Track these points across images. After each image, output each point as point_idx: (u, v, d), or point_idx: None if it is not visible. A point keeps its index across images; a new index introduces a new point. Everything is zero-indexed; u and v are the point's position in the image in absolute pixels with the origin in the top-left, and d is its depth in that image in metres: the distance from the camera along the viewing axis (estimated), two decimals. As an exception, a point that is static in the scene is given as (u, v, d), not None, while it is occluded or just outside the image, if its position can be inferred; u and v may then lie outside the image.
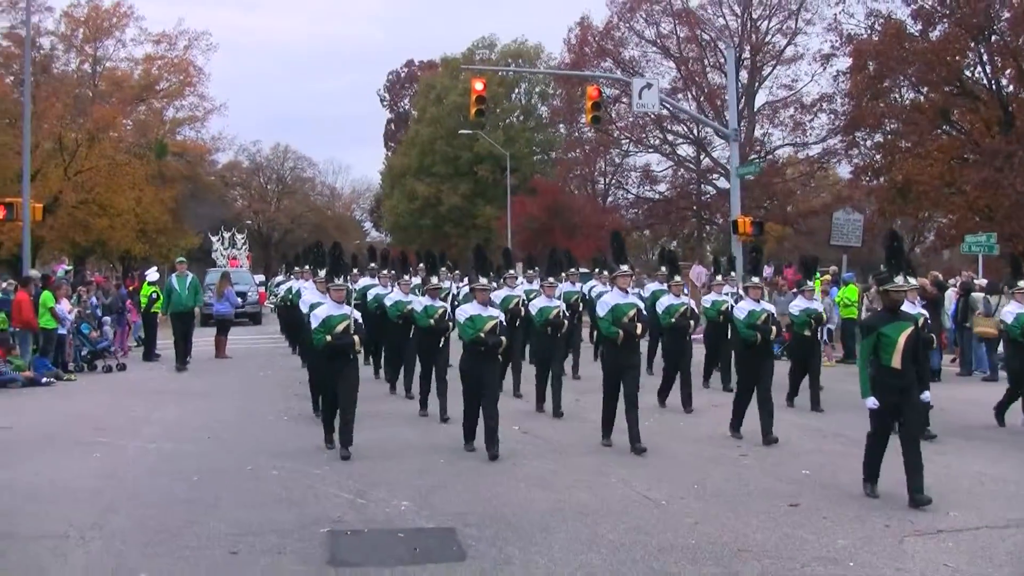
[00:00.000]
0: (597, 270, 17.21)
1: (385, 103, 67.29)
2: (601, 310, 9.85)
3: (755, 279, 11.04)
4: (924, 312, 11.24)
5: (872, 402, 7.52)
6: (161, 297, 18.65)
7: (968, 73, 27.61)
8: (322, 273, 10.98)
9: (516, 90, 52.74)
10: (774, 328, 10.44)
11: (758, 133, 37.61)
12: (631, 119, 38.49)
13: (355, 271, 16.45)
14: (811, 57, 34.71)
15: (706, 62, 37.71)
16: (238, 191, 64.79)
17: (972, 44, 26.63)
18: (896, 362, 7.45)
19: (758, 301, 10.68)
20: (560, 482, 8.26)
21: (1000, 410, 11.27)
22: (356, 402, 9.36)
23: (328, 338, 9.20)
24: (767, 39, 37.17)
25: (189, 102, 43.01)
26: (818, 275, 15.74)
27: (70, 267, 29.27)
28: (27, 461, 9.11)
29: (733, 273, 16.04)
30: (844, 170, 37.11)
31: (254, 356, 19.90)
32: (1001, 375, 14.95)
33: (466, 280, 16.66)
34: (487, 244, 26.85)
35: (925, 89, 28.36)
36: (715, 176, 39.03)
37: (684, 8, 36.11)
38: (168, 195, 38.96)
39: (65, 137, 34.67)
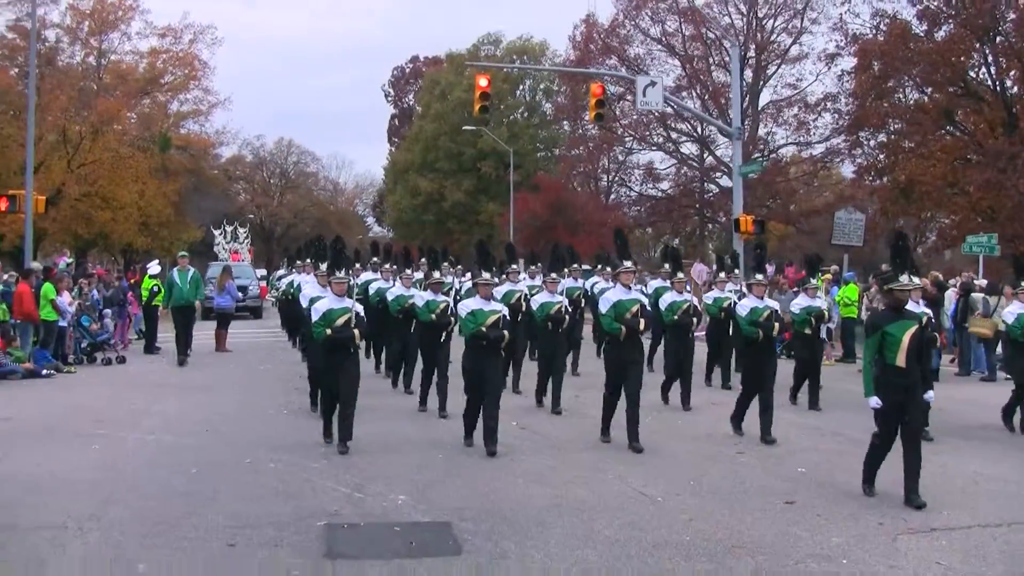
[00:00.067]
0: (600, 266, 17.25)
1: (389, 99, 67.44)
2: (603, 306, 9.84)
3: (759, 276, 11.07)
4: (928, 311, 11.22)
5: (875, 401, 7.52)
6: (162, 290, 18.70)
7: (973, 74, 27.61)
8: (323, 267, 11.01)
9: (520, 87, 52.73)
10: (776, 325, 10.44)
11: (762, 132, 37.69)
12: (635, 117, 38.55)
13: (357, 266, 16.48)
14: (816, 56, 34.84)
15: (711, 60, 37.71)
16: (241, 185, 64.82)
17: (977, 45, 26.63)
18: (901, 361, 7.46)
19: (761, 298, 10.68)
20: (557, 478, 8.28)
21: (1008, 414, 11.07)
22: (356, 396, 9.38)
23: (328, 331, 9.21)
24: (772, 38, 37.21)
25: (193, 96, 43.25)
26: (819, 274, 15.76)
27: (71, 259, 29.33)
28: (27, 453, 9.15)
29: (736, 271, 16.05)
30: (847, 169, 37.20)
31: (255, 350, 19.93)
32: (999, 375, 14.98)
33: (468, 275, 16.70)
34: (490, 240, 26.79)
35: (929, 89, 28.36)
36: (718, 174, 39.10)
37: (690, 6, 36.17)
38: (171, 188, 39.06)
39: (69, 130, 34.76)
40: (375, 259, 16.31)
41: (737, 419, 10.39)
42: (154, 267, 20.19)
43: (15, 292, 15.73)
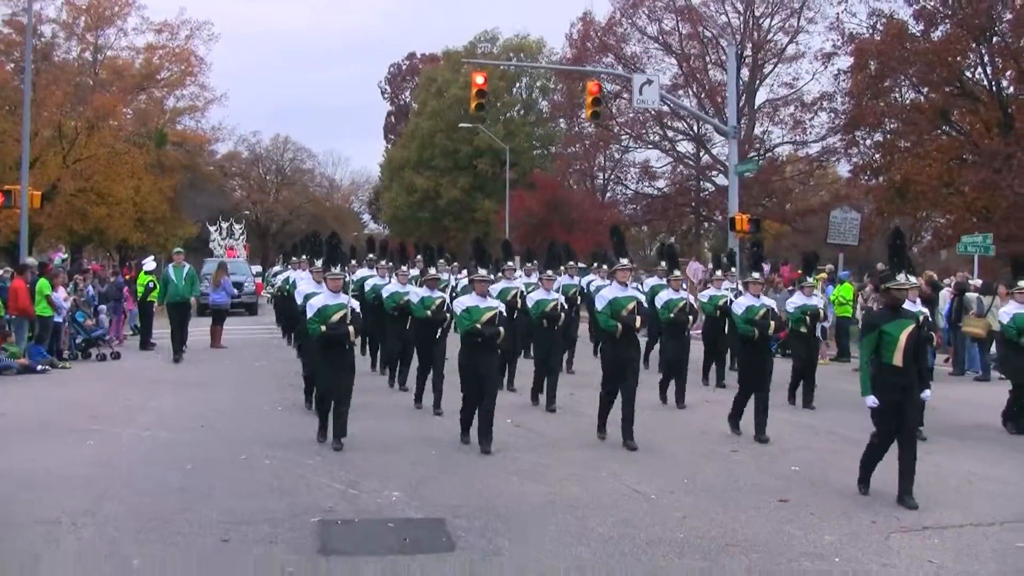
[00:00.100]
0: (596, 264, 17.25)
1: (386, 95, 67.32)
2: (599, 304, 9.85)
3: (755, 274, 11.05)
4: (925, 310, 11.23)
5: (872, 400, 7.52)
6: (158, 286, 18.68)
7: (969, 74, 27.64)
8: (319, 263, 10.96)
9: (517, 84, 52.72)
10: (773, 323, 10.45)
11: (758, 131, 37.68)
12: (631, 115, 38.55)
13: (353, 262, 16.46)
14: (812, 56, 34.80)
15: (707, 59, 37.76)
16: (237, 181, 64.74)
17: (973, 45, 26.65)
18: (898, 360, 7.46)
19: (758, 296, 10.69)
20: (552, 475, 8.29)
21: (1008, 416, 10.99)
22: (351, 393, 9.38)
23: (323, 328, 9.21)
24: (769, 37, 37.24)
25: (190, 92, 43.16)
26: (815, 273, 15.77)
27: (67, 255, 29.30)
28: (21, 448, 9.14)
29: (733, 269, 16.07)
30: (843, 169, 37.22)
31: (250, 346, 19.92)
32: (993, 375, 15.02)
33: (464, 272, 16.70)
34: (486, 238, 26.84)
35: (925, 89, 28.39)
36: (714, 173, 39.08)
37: (687, 5, 36.14)
38: (167, 184, 38.99)
39: (65, 125, 34.67)
40: (371, 256, 16.30)
41: (735, 418, 10.39)
42: (149, 263, 20.16)
43: (10, 288, 15.70)
